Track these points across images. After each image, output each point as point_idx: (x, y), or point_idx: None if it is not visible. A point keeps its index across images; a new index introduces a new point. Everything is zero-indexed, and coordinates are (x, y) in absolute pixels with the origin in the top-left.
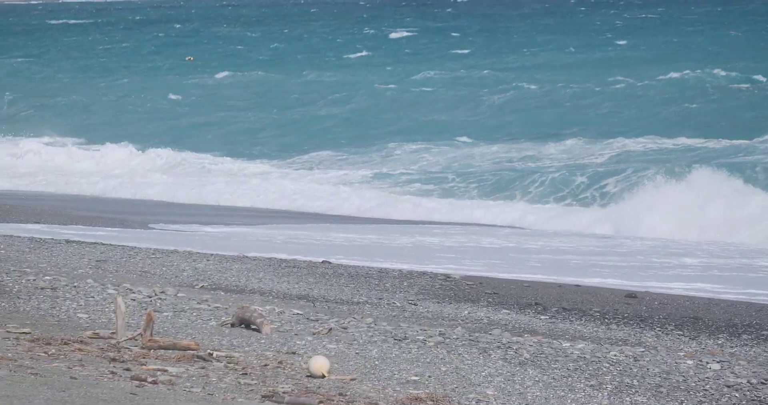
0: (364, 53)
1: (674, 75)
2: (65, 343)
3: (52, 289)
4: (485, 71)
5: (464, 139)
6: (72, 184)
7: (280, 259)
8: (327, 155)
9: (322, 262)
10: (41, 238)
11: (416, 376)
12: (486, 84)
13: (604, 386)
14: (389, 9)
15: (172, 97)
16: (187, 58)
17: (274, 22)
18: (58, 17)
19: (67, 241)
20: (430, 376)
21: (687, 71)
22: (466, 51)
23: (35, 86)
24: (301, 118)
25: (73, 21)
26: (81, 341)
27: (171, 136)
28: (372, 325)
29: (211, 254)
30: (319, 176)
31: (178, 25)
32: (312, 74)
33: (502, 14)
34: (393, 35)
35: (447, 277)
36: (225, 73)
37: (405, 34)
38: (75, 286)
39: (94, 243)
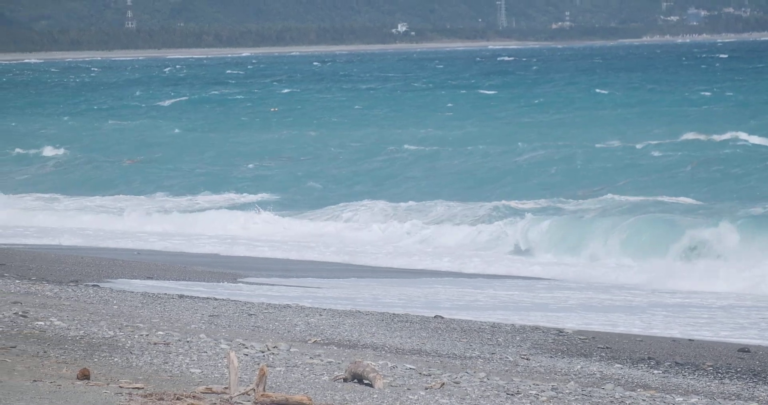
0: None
1: None
2: (178, 399)
3: (165, 344)
4: None
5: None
6: (194, 243)
7: (393, 314)
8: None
9: (435, 316)
10: (154, 293)
11: None
12: None
13: None
14: None
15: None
16: (272, 109)
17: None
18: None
19: (180, 296)
20: None
21: None
22: None
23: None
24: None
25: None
26: (194, 396)
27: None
28: (484, 380)
29: (324, 309)
30: (439, 238)
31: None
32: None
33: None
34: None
35: (560, 331)
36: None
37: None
38: (188, 341)
39: (207, 298)
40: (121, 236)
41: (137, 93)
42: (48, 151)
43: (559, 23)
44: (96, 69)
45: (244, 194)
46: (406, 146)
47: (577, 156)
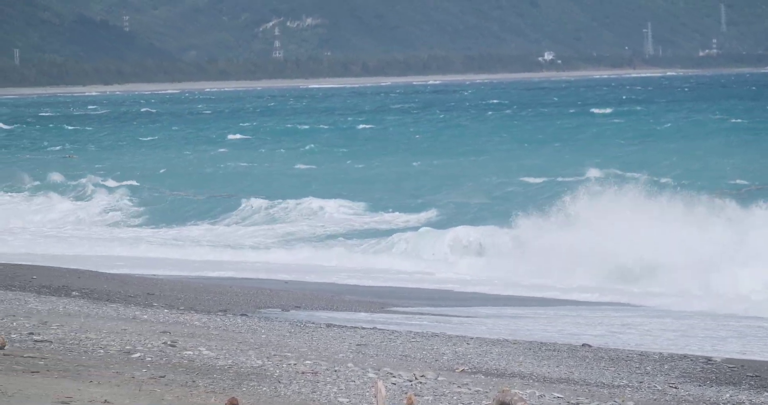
0: None
1: None
2: None
3: (313, 373)
4: None
5: None
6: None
7: (540, 343)
8: None
9: (583, 345)
10: (302, 323)
11: None
12: None
13: None
14: None
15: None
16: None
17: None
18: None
19: (328, 325)
20: None
21: None
22: None
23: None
24: None
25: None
26: None
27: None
28: None
29: (472, 337)
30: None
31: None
32: None
33: None
34: None
35: (708, 359)
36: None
37: None
38: (336, 370)
39: (355, 327)
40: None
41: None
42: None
43: (706, 51)
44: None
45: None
46: None
47: None
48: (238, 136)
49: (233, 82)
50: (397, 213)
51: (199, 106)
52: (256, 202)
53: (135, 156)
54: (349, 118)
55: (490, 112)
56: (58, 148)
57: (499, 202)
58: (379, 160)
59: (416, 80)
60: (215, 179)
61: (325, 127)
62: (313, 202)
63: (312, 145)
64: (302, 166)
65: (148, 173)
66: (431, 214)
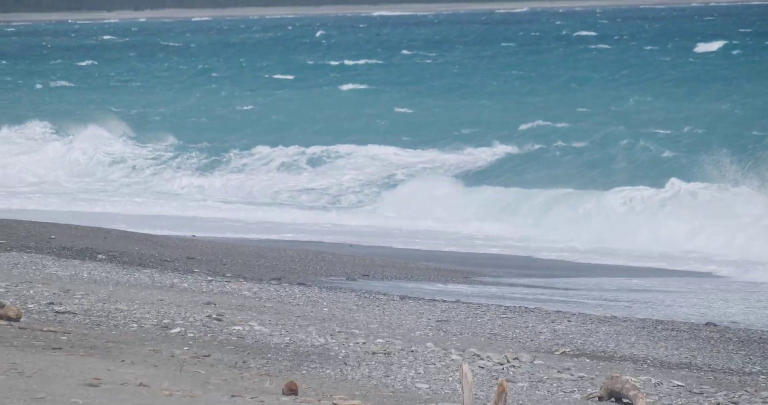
0: None
1: None
2: None
3: (385, 353)
4: None
5: None
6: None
7: (656, 321)
8: None
9: (706, 324)
10: (371, 294)
11: None
12: None
13: None
14: None
15: None
16: None
17: None
18: None
19: (402, 298)
20: None
21: None
22: None
23: None
24: None
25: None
26: None
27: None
28: None
29: (573, 314)
30: None
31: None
32: None
33: None
34: None
35: None
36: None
37: None
38: (412, 351)
39: (434, 300)
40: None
41: None
42: None
43: None
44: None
45: None
46: None
47: None
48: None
49: (285, 7)
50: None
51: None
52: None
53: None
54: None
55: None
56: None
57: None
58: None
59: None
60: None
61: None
62: (380, 150)
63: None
64: (401, 110)
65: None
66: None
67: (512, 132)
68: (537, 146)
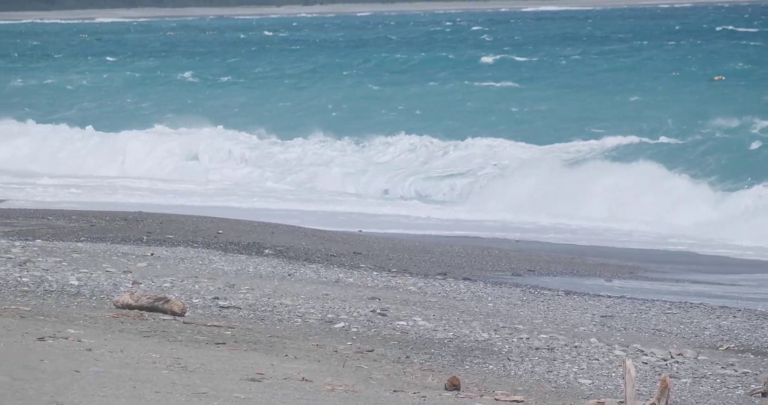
0: None
1: None
2: None
3: (548, 349)
4: None
5: None
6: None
7: None
8: None
9: None
10: (536, 289)
11: None
12: None
13: None
14: None
15: None
16: (715, 78)
17: None
18: None
19: (567, 293)
20: None
21: None
22: None
23: None
24: None
25: None
26: None
27: None
28: None
29: (739, 309)
30: None
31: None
32: None
33: None
34: None
35: None
36: None
37: None
38: (576, 347)
39: (598, 295)
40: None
41: None
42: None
43: None
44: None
45: None
46: None
47: None
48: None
49: (458, 2)
50: None
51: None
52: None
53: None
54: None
55: None
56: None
57: None
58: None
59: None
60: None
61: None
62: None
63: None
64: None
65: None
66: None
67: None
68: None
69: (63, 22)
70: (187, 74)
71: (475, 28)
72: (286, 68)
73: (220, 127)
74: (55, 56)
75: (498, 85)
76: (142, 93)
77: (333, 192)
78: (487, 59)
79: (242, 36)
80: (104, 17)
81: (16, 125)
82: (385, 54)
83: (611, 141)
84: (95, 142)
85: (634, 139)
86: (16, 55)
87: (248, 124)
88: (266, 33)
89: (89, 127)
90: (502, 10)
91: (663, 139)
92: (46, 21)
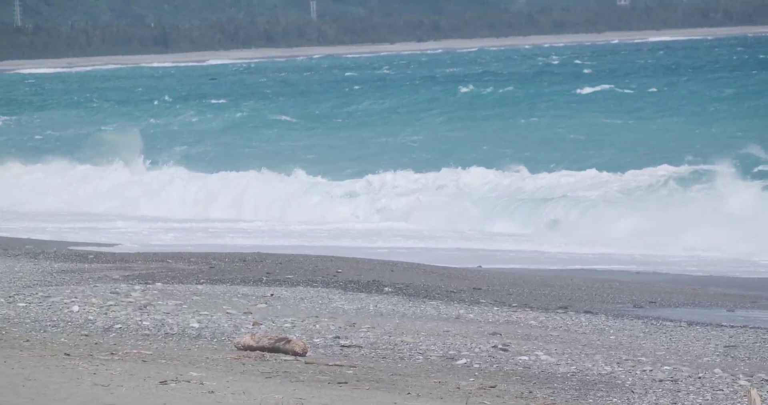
0: None
1: None
2: None
3: (672, 381)
4: None
5: None
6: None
7: None
8: None
9: None
10: (658, 320)
11: None
12: None
13: None
14: None
15: None
16: None
17: None
18: None
19: (689, 324)
20: None
21: None
22: None
23: None
24: None
25: None
26: None
27: None
28: None
29: None
30: None
31: None
32: None
33: None
34: None
35: None
36: None
37: None
38: (699, 378)
39: (721, 325)
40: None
41: None
42: None
43: None
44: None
45: None
46: None
47: None
48: None
49: (568, 35)
50: None
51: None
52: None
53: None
54: None
55: None
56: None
57: None
58: None
59: None
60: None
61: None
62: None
63: None
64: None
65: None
66: None
67: None
68: None
69: (177, 64)
70: (287, 116)
71: (577, 61)
72: (390, 103)
73: (324, 166)
74: (166, 99)
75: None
76: (244, 135)
77: (445, 229)
78: (587, 90)
79: (347, 74)
80: (217, 59)
81: (122, 169)
82: (491, 88)
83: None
84: (201, 183)
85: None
86: (121, 98)
87: (349, 162)
88: (376, 71)
89: (202, 170)
90: (613, 41)
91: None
92: (156, 65)
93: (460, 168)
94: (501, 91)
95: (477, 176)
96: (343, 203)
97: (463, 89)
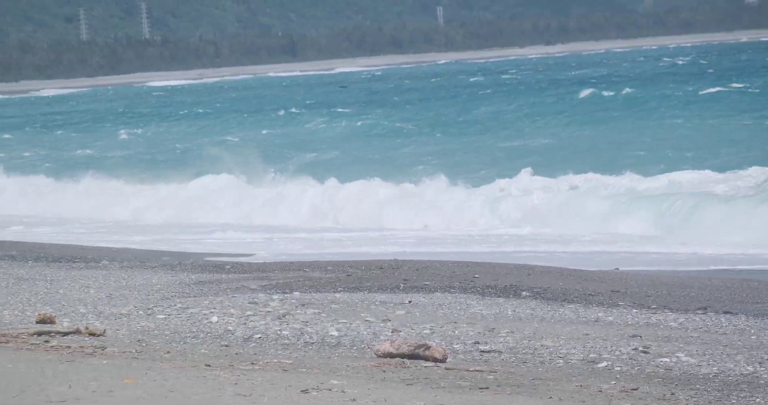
0: None
1: None
2: None
3: None
4: None
5: None
6: None
7: None
8: None
9: None
10: None
11: None
12: None
13: None
14: None
15: None
16: None
17: None
18: None
19: None
20: None
21: None
22: None
23: None
24: None
25: None
26: None
27: None
28: None
29: None
30: None
31: None
32: None
33: None
34: None
35: None
36: None
37: None
38: None
39: None
40: None
41: None
42: None
43: None
44: None
45: None
46: None
47: None
48: None
49: (696, 35)
50: None
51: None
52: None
53: None
54: None
55: None
56: None
57: None
58: None
59: None
60: None
61: None
62: None
63: None
64: None
65: None
66: None
67: None
68: None
69: (305, 73)
70: (411, 123)
71: (702, 62)
72: (514, 107)
73: (452, 171)
74: (293, 110)
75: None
76: (372, 142)
77: (579, 233)
78: (709, 90)
79: (473, 79)
80: (344, 67)
81: (245, 179)
82: (612, 92)
83: None
84: (330, 192)
85: None
86: (248, 108)
87: (477, 167)
88: (503, 75)
89: (332, 178)
90: (742, 40)
91: None
92: (283, 74)
93: (590, 171)
94: (623, 93)
95: (607, 178)
96: (476, 208)
97: (584, 92)
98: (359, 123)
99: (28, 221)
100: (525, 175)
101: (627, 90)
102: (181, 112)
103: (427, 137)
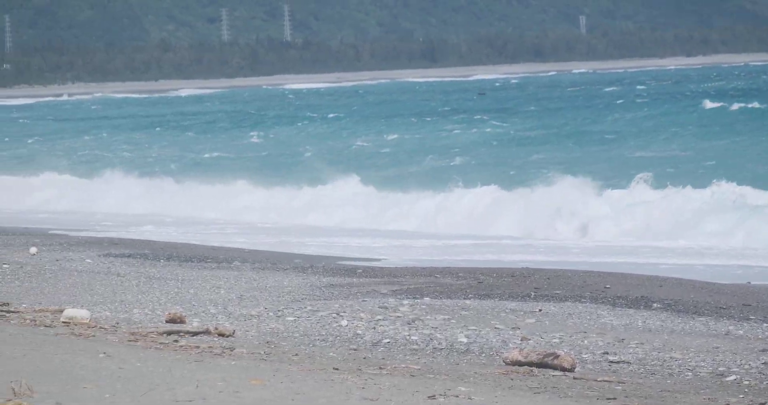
0: None
1: None
2: None
3: None
4: None
5: None
6: None
7: None
8: None
9: None
10: None
11: None
12: None
13: None
14: None
15: None
16: None
17: None
18: None
19: None
20: None
21: None
22: None
23: None
24: None
25: None
26: None
27: None
28: None
29: None
30: None
31: None
32: None
33: None
34: None
35: None
36: None
37: None
38: None
39: None
40: None
41: None
42: None
43: None
44: None
45: None
46: None
47: None
48: None
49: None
50: None
51: None
52: None
53: None
54: None
55: None
56: None
57: None
58: None
59: None
60: None
61: None
62: None
63: None
64: None
65: None
66: None
67: None
68: None
69: (441, 79)
70: (539, 130)
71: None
72: (641, 116)
73: (575, 181)
74: (425, 117)
75: None
76: (503, 149)
77: (713, 245)
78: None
79: (607, 89)
80: (483, 74)
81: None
82: (740, 104)
83: None
84: (452, 198)
85: None
86: (379, 113)
87: (613, 174)
88: (638, 86)
89: (459, 184)
90: None
91: None
92: (420, 79)
93: (723, 181)
94: (749, 106)
95: (743, 188)
96: (606, 218)
97: (710, 104)
98: (489, 129)
99: (155, 220)
100: (646, 185)
101: (755, 104)
102: (313, 115)
103: (555, 143)
